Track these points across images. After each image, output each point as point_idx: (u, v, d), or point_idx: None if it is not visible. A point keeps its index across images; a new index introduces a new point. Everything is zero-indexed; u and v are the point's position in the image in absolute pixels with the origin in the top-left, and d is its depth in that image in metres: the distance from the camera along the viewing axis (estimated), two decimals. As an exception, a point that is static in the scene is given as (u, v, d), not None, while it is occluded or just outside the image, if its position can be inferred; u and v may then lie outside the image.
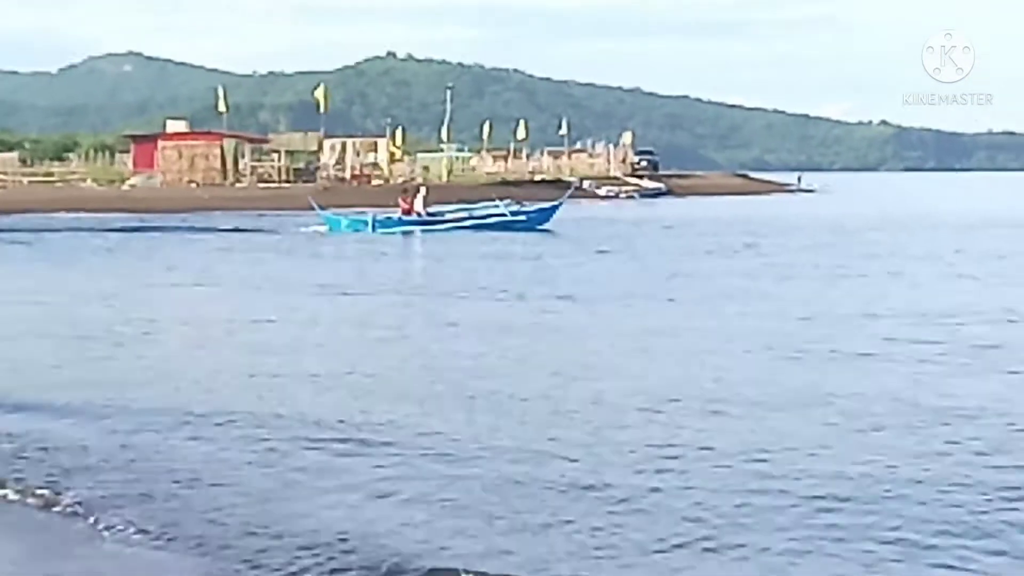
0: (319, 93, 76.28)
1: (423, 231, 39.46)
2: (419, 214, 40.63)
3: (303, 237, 38.74)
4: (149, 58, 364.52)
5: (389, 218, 40.94)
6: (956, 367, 13.35)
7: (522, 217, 41.51)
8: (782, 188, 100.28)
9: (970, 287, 22.58)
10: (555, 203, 42.96)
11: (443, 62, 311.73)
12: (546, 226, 40.90)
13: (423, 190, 42.68)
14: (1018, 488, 8.42)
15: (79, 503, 8.36)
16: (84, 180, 68.95)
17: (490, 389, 12.24)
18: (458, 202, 46.49)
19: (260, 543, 7.40)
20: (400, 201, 41.72)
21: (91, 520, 8.03)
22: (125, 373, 13.55)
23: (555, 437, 10.10)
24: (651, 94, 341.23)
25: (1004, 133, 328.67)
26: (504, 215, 41.43)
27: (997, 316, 17.68)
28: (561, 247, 33.88)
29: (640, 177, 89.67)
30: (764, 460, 9.24)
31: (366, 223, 40.44)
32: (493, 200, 44.18)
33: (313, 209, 42.85)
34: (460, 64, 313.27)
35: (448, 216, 41.69)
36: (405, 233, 39.39)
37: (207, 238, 38.44)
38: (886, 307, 18.76)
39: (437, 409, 11.40)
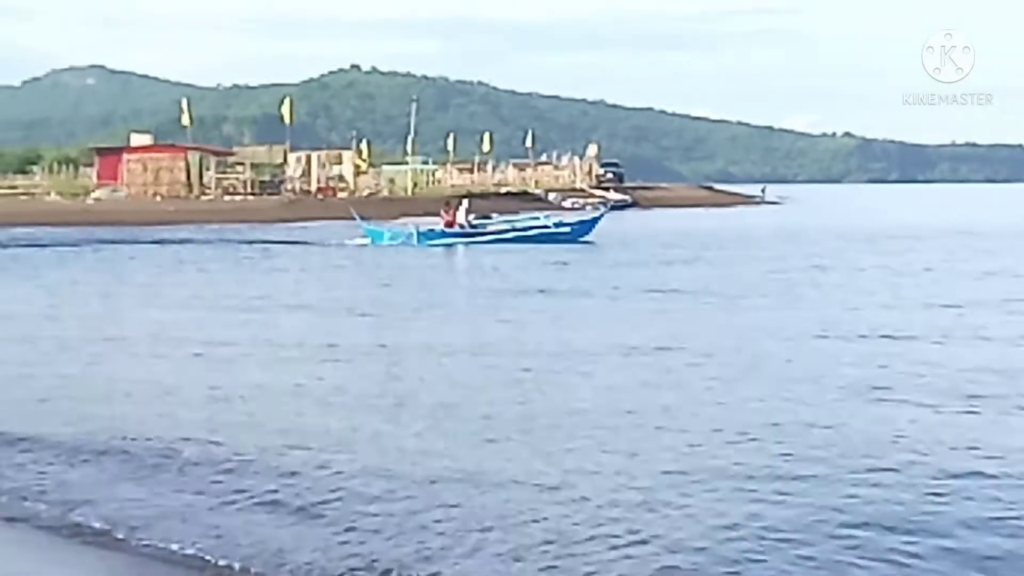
0: (284, 106, 76.20)
1: (467, 243, 39.61)
2: (462, 226, 40.77)
3: (349, 250, 38.55)
4: (113, 71, 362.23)
5: (432, 230, 41.04)
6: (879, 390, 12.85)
7: (565, 229, 41.72)
8: (747, 200, 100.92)
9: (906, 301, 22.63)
10: (597, 215, 44.45)
11: (408, 75, 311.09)
12: (588, 238, 41.12)
13: (466, 202, 42.56)
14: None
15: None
16: (48, 193, 68.68)
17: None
18: (424, 215, 46.49)
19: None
20: (442, 213, 41.75)
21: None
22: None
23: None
24: (616, 106, 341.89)
25: (966, 144, 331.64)
26: (548, 227, 41.60)
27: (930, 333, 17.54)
28: (615, 259, 33.44)
29: (606, 189, 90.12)
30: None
31: (410, 235, 40.70)
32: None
33: (355, 220, 42.94)
34: (425, 77, 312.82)
35: (491, 228, 41.89)
36: (448, 246, 39.39)
37: (255, 252, 37.80)
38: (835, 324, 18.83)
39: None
